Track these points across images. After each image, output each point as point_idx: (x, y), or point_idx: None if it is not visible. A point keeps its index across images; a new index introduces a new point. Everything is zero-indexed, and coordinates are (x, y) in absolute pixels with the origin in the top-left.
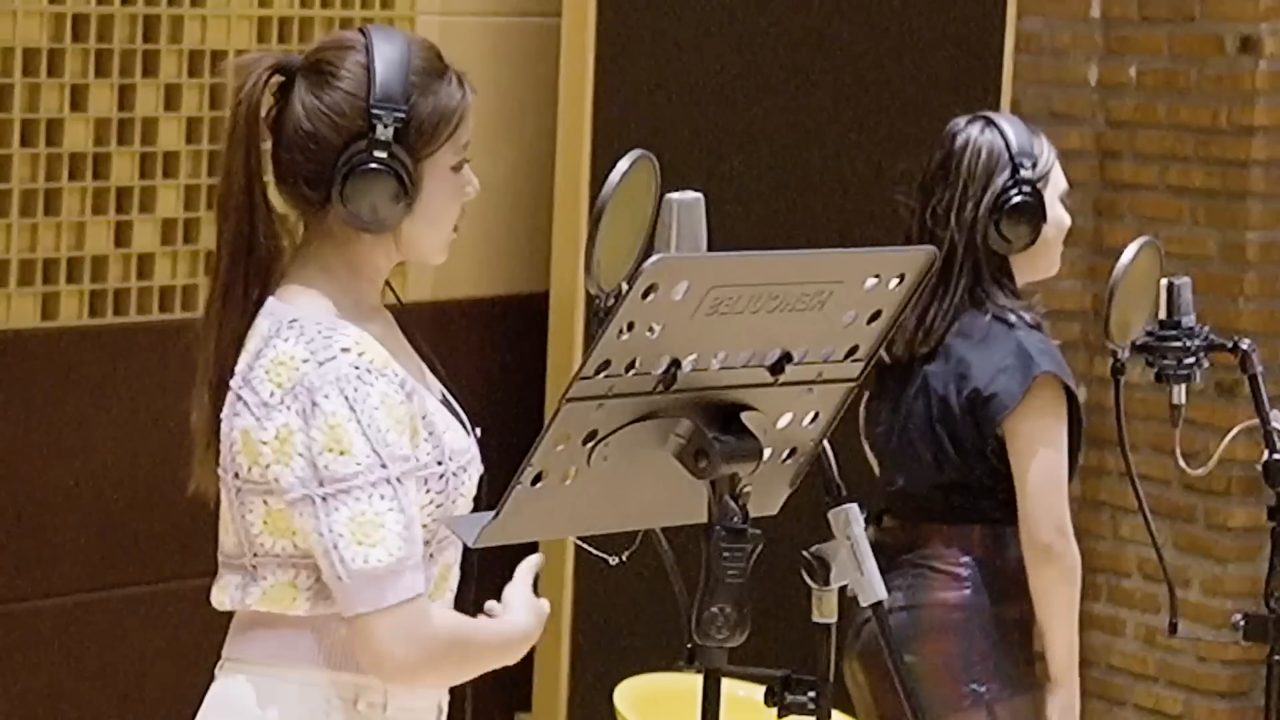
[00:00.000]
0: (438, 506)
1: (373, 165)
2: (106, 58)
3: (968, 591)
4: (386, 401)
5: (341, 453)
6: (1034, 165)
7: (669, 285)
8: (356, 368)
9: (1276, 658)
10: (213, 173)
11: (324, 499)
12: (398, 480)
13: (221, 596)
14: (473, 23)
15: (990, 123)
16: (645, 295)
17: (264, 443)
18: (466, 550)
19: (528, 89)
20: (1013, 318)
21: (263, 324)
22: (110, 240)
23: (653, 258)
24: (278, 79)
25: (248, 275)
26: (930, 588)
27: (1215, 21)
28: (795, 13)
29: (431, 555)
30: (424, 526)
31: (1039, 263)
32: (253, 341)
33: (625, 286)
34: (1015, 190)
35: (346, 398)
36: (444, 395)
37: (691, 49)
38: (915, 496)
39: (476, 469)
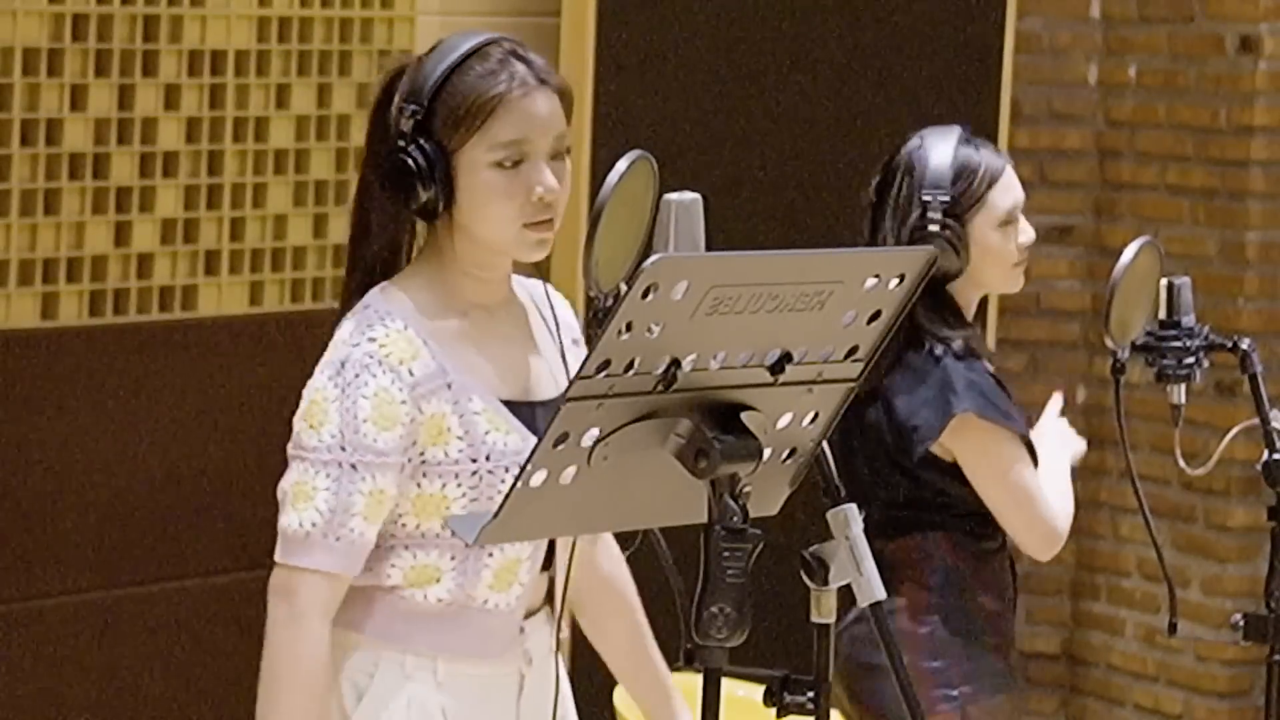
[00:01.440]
0: (472, 501)
1: (395, 156)
2: (106, 58)
3: (936, 598)
4: (380, 395)
5: (311, 426)
6: (953, 194)
7: (668, 285)
8: (371, 356)
9: (1276, 658)
10: (213, 173)
11: (291, 459)
12: (352, 467)
13: None
14: (472, 23)
15: (920, 146)
16: (645, 295)
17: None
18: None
19: None
20: (939, 349)
21: None
22: (110, 240)
23: (652, 257)
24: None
25: (369, 264)
26: (897, 595)
27: (1215, 21)
28: (794, 13)
29: (482, 546)
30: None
31: (985, 283)
32: None
33: (624, 287)
34: (923, 225)
35: (343, 377)
36: (526, 400)
37: (691, 49)
38: (874, 521)
39: None
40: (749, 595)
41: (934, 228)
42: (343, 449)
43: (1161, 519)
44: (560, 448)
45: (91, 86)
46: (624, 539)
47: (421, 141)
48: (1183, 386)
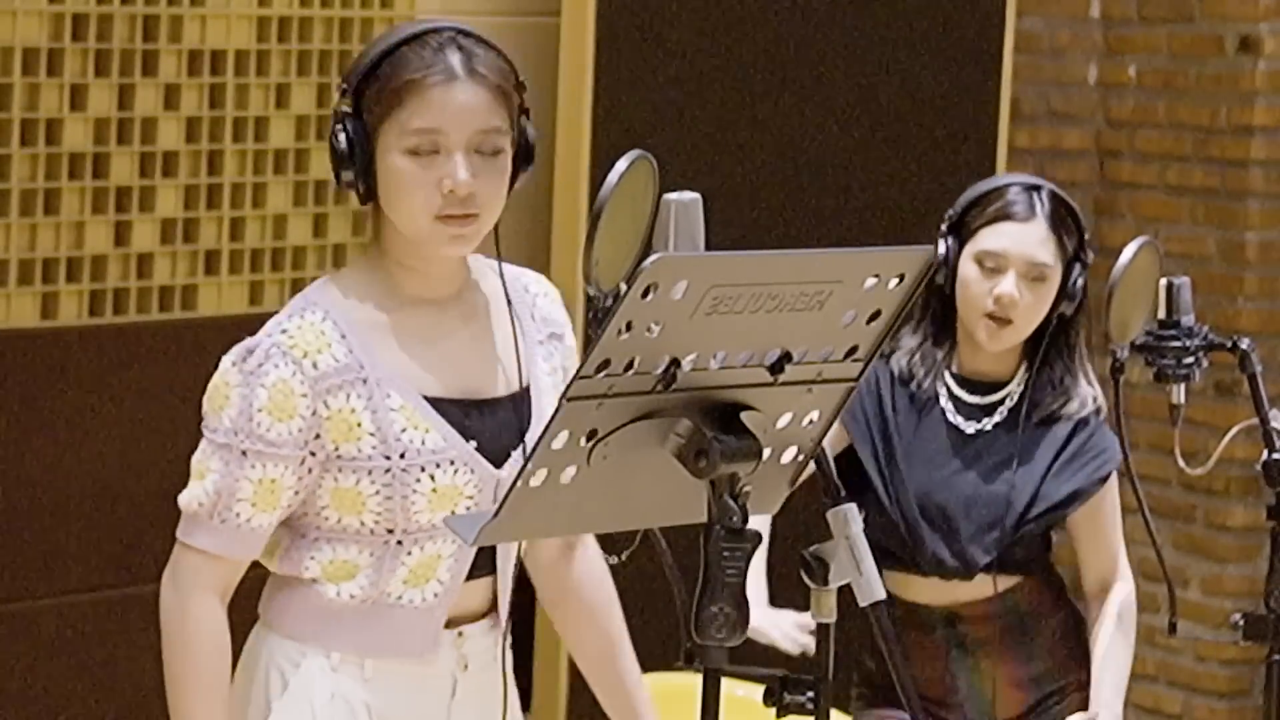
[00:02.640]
0: (386, 499)
1: (330, 135)
2: (106, 57)
3: None
4: (278, 386)
5: (213, 409)
6: (961, 216)
7: (668, 285)
8: (278, 347)
9: (1276, 658)
10: (213, 173)
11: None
12: (242, 453)
13: None
14: (472, 23)
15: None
16: (644, 295)
17: None
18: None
19: (527, 89)
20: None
21: None
22: (110, 240)
23: (652, 257)
24: None
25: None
26: None
27: (1215, 21)
28: (795, 13)
29: (400, 543)
30: (375, 514)
31: (962, 314)
32: None
33: (624, 286)
34: (936, 228)
35: (245, 365)
36: (462, 398)
37: (690, 49)
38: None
39: (454, 473)
40: (748, 595)
41: (940, 239)
42: (235, 434)
43: (1161, 519)
44: (560, 447)
45: (91, 86)
46: (624, 539)
47: (347, 123)
48: (1182, 386)
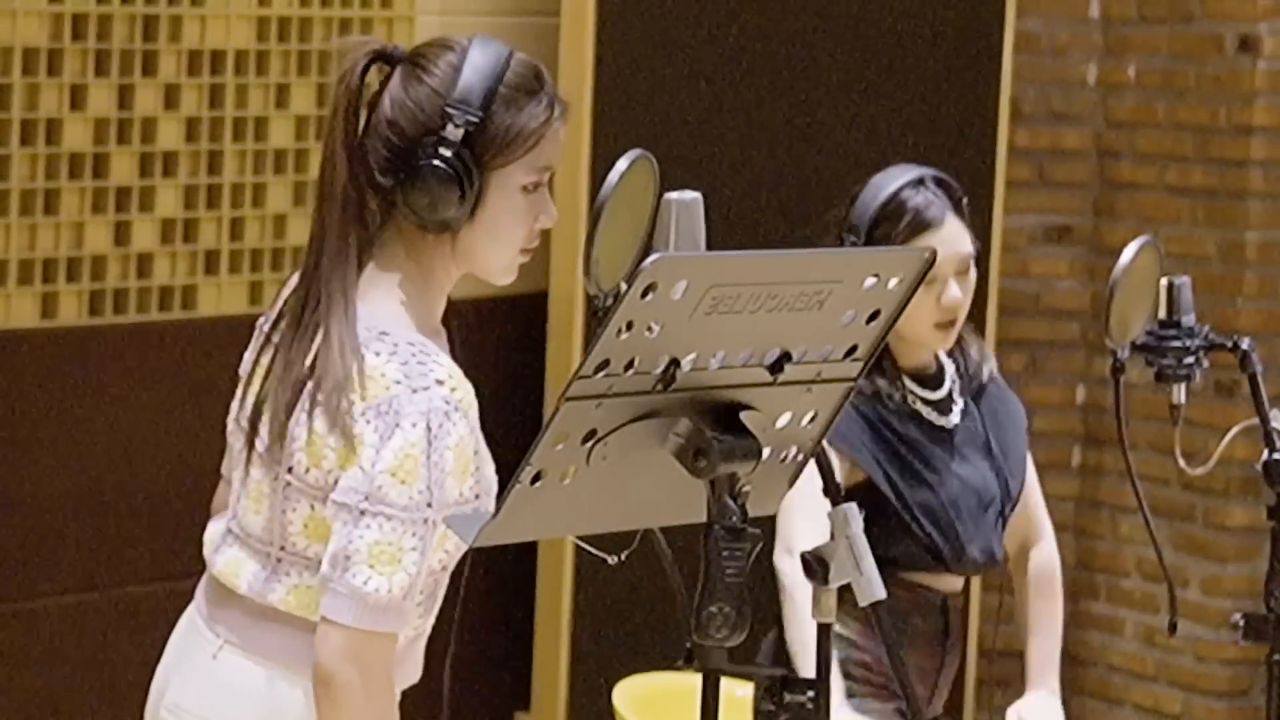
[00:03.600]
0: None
1: (434, 162)
2: (106, 57)
3: None
4: (460, 445)
5: (402, 482)
6: (872, 235)
7: (668, 284)
8: (448, 402)
9: (1276, 657)
10: (213, 173)
11: (363, 513)
12: (433, 524)
13: (236, 578)
14: (472, 23)
15: (871, 182)
16: (644, 294)
17: (332, 449)
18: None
19: None
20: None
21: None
22: (110, 240)
23: (651, 257)
24: (380, 67)
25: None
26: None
27: (1214, 21)
28: (794, 12)
29: (444, 570)
30: (447, 552)
31: (905, 334)
32: None
33: (624, 286)
34: None
35: (430, 430)
36: None
37: (691, 49)
38: None
39: (488, 500)
40: (748, 595)
41: None
42: (429, 505)
43: (1161, 519)
44: (559, 447)
45: (91, 86)
46: (624, 539)
47: (462, 152)
48: (1182, 386)
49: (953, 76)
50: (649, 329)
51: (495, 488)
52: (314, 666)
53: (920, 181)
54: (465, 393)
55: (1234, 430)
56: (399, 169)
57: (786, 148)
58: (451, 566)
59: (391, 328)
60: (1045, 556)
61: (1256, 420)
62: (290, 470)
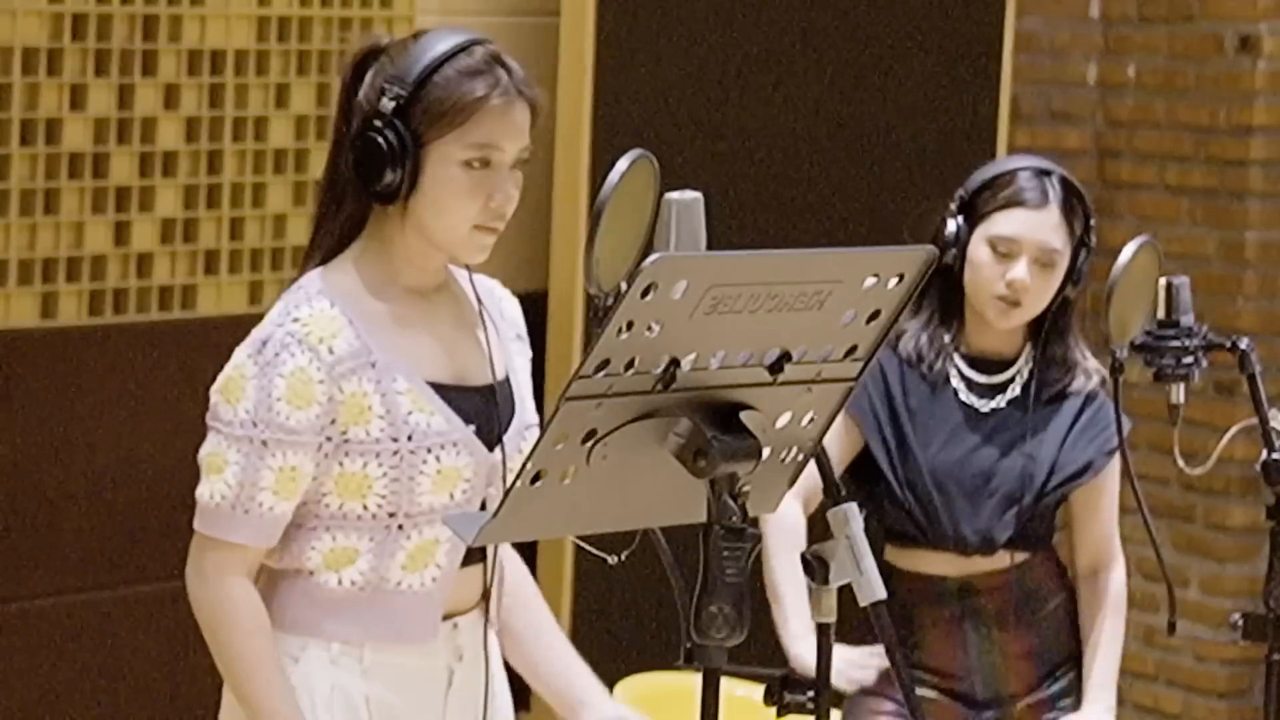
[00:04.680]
0: (394, 480)
1: (368, 134)
2: (106, 57)
3: None
4: (297, 374)
5: (228, 401)
6: (972, 198)
7: (668, 284)
8: (291, 335)
9: (1275, 657)
10: (213, 172)
11: (207, 427)
12: (262, 444)
13: None
14: (471, 23)
15: (999, 158)
16: (644, 294)
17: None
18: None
19: None
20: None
21: None
22: (110, 240)
23: (652, 257)
24: (371, 60)
25: (325, 247)
26: None
27: (1214, 21)
28: (794, 13)
29: (400, 527)
30: (380, 497)
31: (970, 296)
32: None
33: (624, 286)
34: (937, 209)
35: (262, 355)
36: (457, 384)
37: (691, 49)
38: None
39: (456, 455)
40: (748, 595)
41: (946, 216)
42: (254, 425)
43: (1161, 519)
44: (559, 447)
45: (91, 86)
46: (624, 539)
47: (397, 124)
48: (1181, 386)
49: (953, 76)
50: (649, 329)
51: (443, 436)
52: None
53: (1046, 172)
54: (318, 329)
55: (1233, 430)
56: (355, 148)
57: (786, 148)
58: (408, 519)
59: (308, 281)
60: (1119, 579)
61: (1255, 420)
62: None
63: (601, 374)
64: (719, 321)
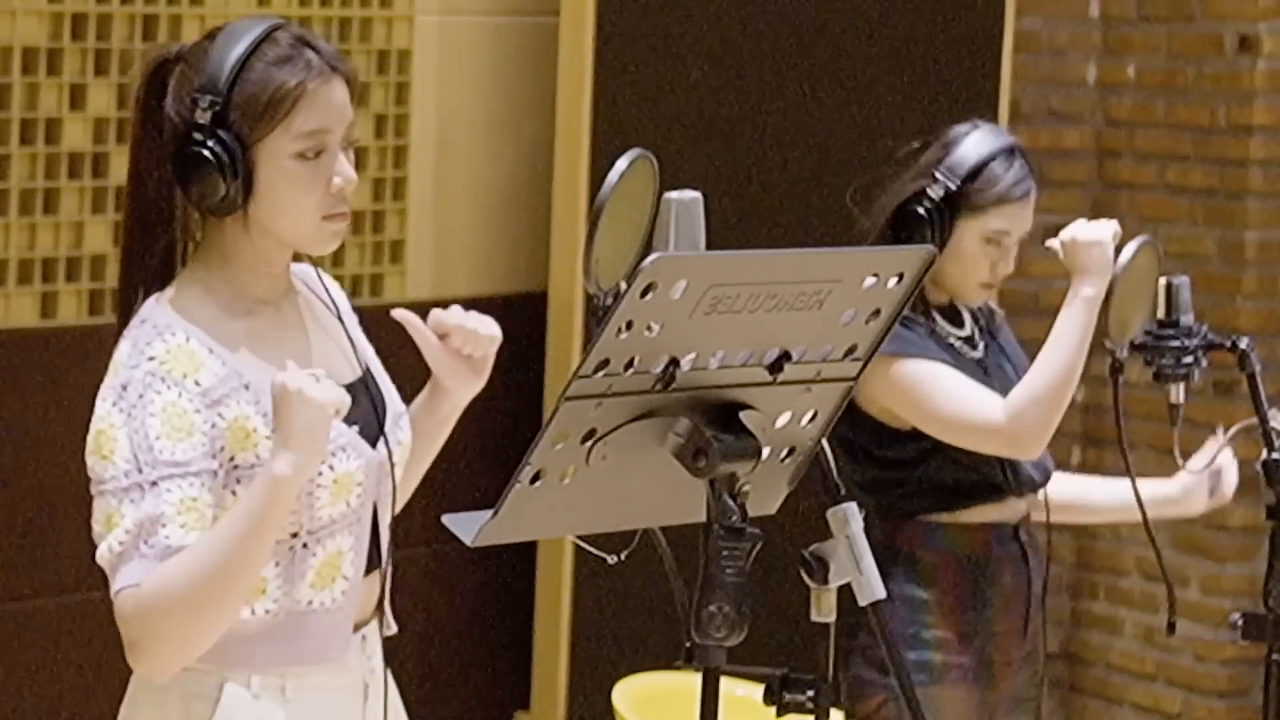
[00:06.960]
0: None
1: (190, 149)
2: (106, 57)
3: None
4: (170, 408)
5: (103, 457)
6: (960, 187)
7: (667, 284)
8: (152, 374)
9: (1275, 657)
10: None
11: (94, 496)
12: (152, 484)
13: None
14: (471, 22)
15: (969, 132)
16: (644, 294)
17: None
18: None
19: (526, 88)
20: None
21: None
22: (110, 240)
23: (651, 256)
24: (168, 69)
25: (148, 272)
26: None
27: (1214, 20)
28: (794, 12)
29: (305, 545)
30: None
31: (945, 283)
32: None
33: (624, 285)
34: (919, 195)
35: (129, 404)
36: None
37: (690, 49)
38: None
39: (347, 459)
40: (748, 594)
41: (926, 204)
42: (139, 470)
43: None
44: (559, 446)
45: (91, 86)
46: (624, 539)
47: (219, 133)
48: (1181, 385)
49: (953, 76)
50: (649, 328)
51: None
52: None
53: (1012, 152)
54: (179, 365)
55: (1233, 430)
56: (176, 166)
57: (786, 147)
58: (310, 535)
59: (150, 314)
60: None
61: (1255, 420)
62: None
63: (601, 374)
64: (718, 321)
